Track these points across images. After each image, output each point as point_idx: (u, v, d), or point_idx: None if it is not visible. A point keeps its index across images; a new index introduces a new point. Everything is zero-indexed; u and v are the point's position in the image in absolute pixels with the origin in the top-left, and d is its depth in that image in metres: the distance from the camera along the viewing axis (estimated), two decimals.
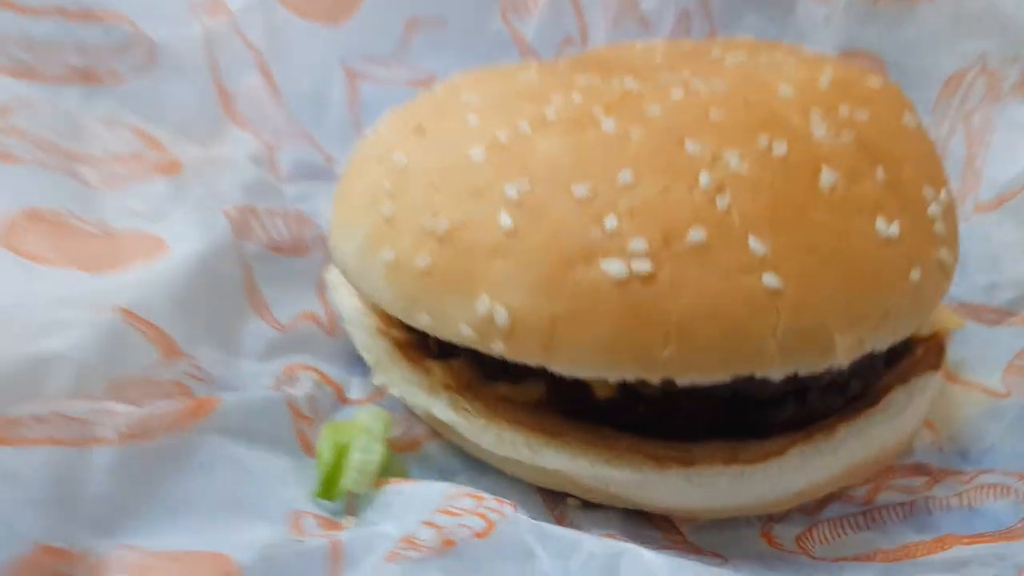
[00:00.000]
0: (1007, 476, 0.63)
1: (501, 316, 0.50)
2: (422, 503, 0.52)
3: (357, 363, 0.68)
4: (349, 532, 0.51)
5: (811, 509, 0.61)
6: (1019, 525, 0.59)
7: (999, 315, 0.76)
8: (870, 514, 0.61)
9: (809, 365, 0.51)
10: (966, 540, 0.59)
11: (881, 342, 0.53)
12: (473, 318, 0.51)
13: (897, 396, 0.61)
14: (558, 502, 0.60)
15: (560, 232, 0.50)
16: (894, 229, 0.52)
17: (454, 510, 0.50)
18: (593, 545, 0.49)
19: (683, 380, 0.50)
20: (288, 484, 0.56)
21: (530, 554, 0.49)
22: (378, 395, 0.66)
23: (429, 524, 0.49)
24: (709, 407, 0.55)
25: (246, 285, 0.69)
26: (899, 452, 0.64)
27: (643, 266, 0.48)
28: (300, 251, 0.75)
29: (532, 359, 0.51)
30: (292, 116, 0.88)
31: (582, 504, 0.60)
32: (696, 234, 0.49)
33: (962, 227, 0.84)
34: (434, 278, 0.53)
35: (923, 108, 0.91)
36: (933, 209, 0.56)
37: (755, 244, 0.49)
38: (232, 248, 0.69)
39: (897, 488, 0.64)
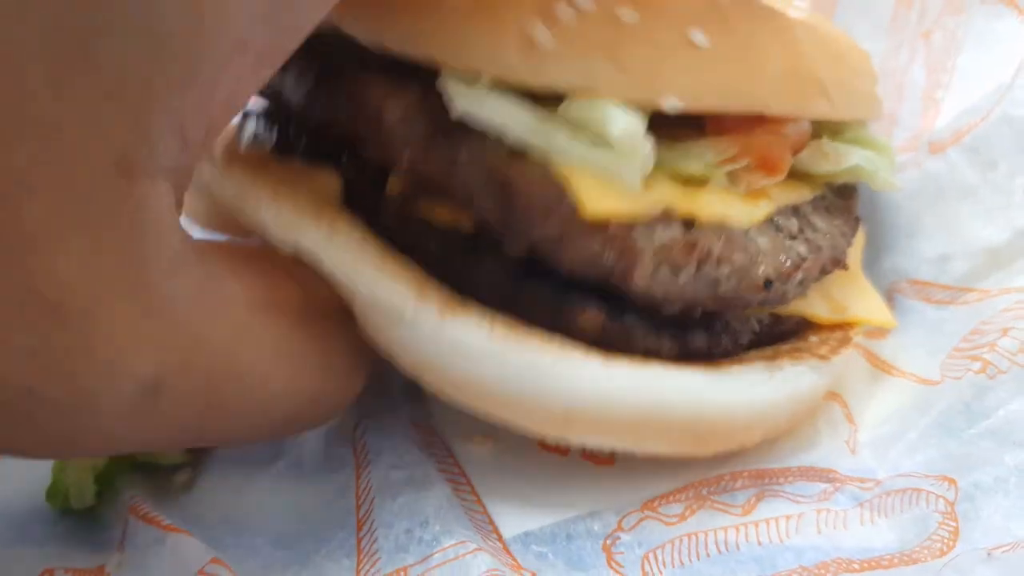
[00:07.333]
0: (925, 479, 0.53)
1: None
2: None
3: None
4: None
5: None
6: (919, 546, 0.50)
7: (951, 294, 0.63)
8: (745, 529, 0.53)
9: None
10: (856, 566, 0.51)
11: None
12: None
13: (747, 371, 0.51)
14: None
15: None
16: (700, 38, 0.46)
17: None
18: None
19: None
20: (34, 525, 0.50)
21: None
22: None
23: None
24: None
25: None
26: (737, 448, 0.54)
27: None
28: None
29: None
30: None
31: None
32: None
33: (914, 180, 0.68)
34: None
35: (878, 30, 0.75)
36: None
37: None
38: None
39: (786, 495, 0.55)
